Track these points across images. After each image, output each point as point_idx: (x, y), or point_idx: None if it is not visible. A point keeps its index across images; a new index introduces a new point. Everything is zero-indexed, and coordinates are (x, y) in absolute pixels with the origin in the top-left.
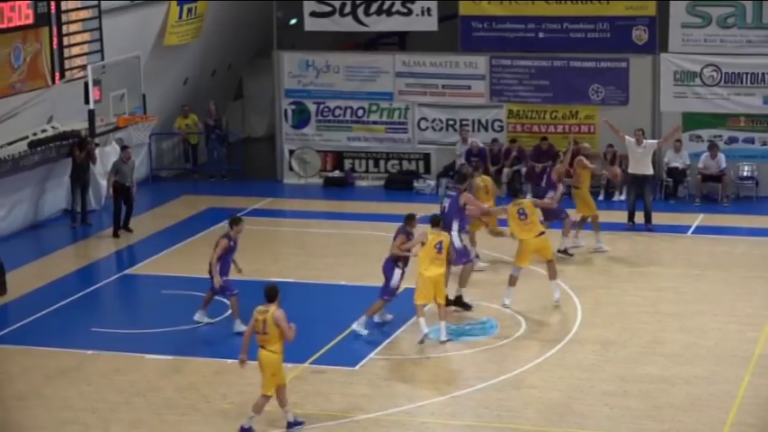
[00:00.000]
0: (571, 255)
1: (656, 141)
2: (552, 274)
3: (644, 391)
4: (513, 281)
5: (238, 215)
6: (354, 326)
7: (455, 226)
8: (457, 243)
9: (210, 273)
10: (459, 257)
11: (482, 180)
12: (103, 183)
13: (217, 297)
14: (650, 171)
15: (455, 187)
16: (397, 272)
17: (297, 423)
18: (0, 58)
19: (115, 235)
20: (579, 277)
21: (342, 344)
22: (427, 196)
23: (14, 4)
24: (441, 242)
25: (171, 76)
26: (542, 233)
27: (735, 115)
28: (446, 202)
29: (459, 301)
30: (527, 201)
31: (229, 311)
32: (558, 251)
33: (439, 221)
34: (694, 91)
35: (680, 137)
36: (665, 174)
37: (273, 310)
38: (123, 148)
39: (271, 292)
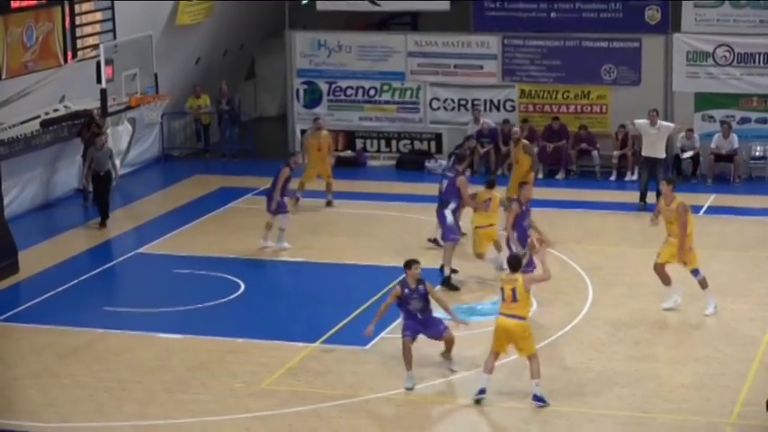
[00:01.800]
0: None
1: (671, 125)
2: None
3: (654, 371)
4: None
5: (414, 259)
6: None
7: (451, 205)
8: (449, 219)
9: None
10: (447, 234)
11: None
12: (117, 162)
13: (227, 276)
14: (663, 155)
15: (453, 168)
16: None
17: (541, 399)
18: (13, 37)
19: (102, 225)
20: (590, 257)
21: (353, 323)
22: (439, 176)
23: None
24: (489, 199)
25: (183, 56)
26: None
27: (747, 95)
28: (444, 183)
29: (447, 283)
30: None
31: (239, 292)
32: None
33: (493, 184)
34: (707, 71)
35: (692, 126)
36: (679, 155)
37: (521, 277)
38: (96, 135)
39: (516, 261)
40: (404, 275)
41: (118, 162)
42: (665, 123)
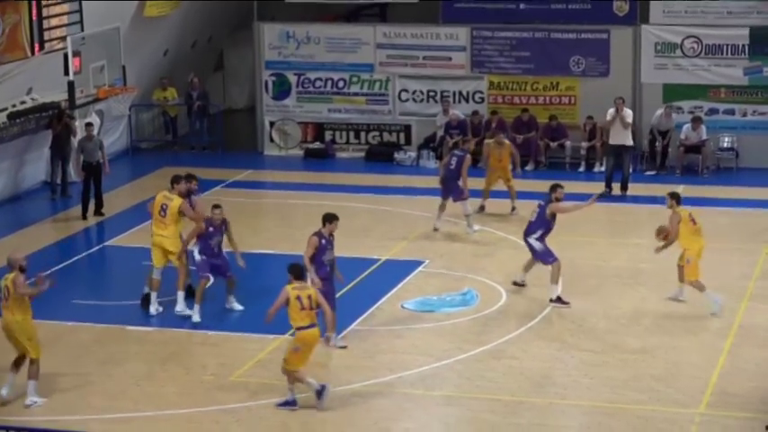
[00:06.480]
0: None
1: (630, 112)
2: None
3: (623, 362)
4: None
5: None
6: None
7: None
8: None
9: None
10: (460, 195)
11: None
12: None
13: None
14: (630, 142)
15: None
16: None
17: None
18: None
19: (84, 217)
20: (558, 248)
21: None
22: (408, 168)
23: None
24: None
25: (151, 48)
26: None
27: (715, 86)
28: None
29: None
30: None
31: (209, 284)
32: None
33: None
34: (675, 62)
35: (669, 105)
36: (656, 137)
37: (311, 287)
38: (87, 125)
39: (298, 269)
40: (320, 229)
41: None
42: (629, 111)
